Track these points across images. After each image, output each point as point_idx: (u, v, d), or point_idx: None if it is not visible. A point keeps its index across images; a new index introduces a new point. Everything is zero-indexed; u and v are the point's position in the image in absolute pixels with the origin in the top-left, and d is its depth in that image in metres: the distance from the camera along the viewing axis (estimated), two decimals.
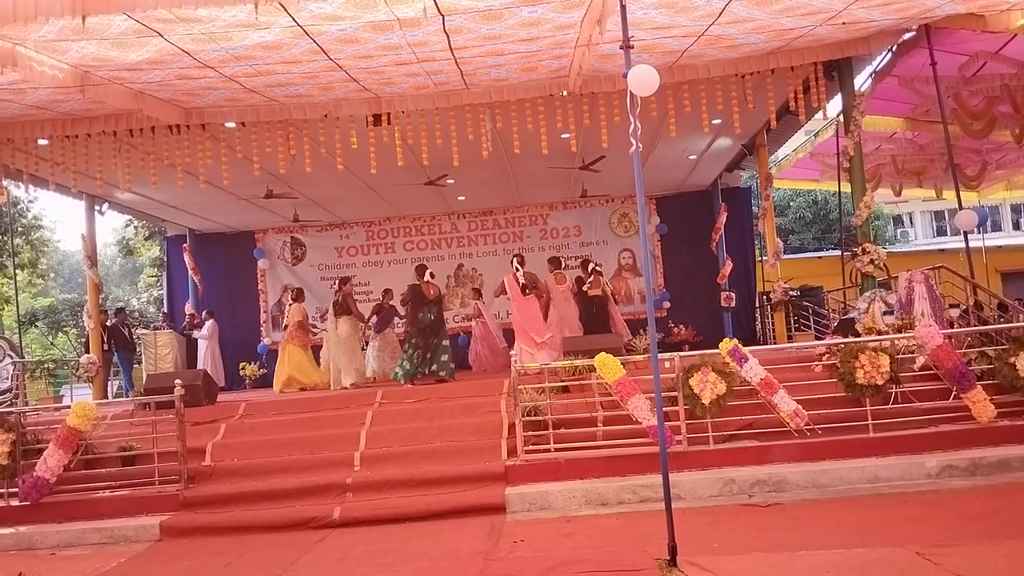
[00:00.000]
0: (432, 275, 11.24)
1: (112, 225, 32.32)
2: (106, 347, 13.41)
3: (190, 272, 15.93)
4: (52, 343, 25.66)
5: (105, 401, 11.45)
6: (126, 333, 14.42)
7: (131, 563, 6.24)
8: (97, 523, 7.14)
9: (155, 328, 15.31)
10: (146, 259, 27.02)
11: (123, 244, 27.36)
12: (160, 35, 6.62)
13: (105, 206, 13.43)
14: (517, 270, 11.02)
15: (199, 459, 8.06)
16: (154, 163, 10.27)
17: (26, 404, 11.88)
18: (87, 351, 12.86)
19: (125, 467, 7.98)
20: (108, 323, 13.94)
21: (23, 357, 14.31)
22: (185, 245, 16.09)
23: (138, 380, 13.84)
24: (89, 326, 12.84)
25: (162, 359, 13.97)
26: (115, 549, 6.72)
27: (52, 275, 34.56)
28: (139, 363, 14.50)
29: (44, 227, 26.15)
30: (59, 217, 42.37)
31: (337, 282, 13.09)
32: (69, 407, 7.95)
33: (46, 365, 19.13)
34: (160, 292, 22.05)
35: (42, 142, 9.66)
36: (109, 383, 13.99)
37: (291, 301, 13.29)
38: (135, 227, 24.30)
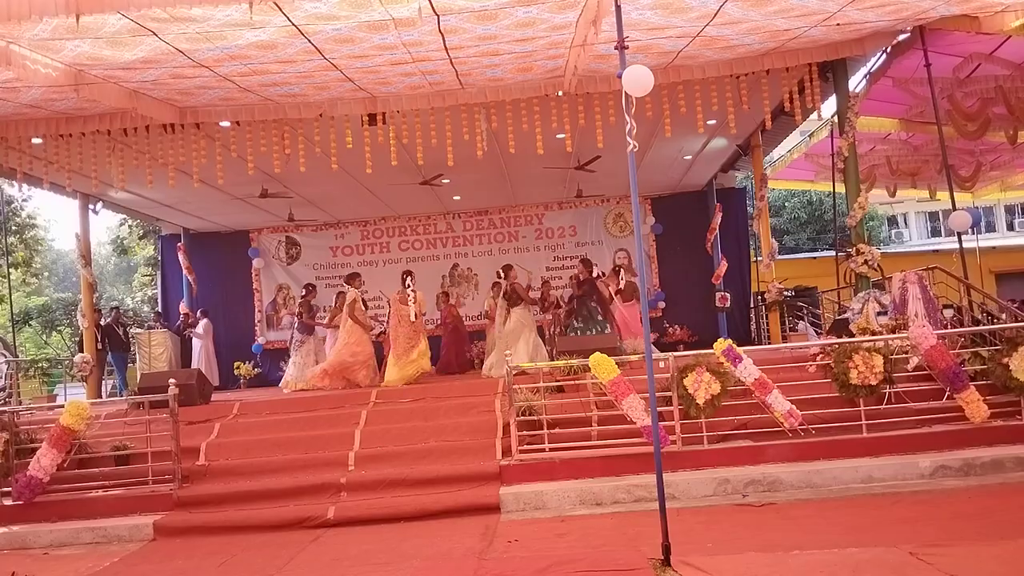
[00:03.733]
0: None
1: (106, 224, 32.33)
2: (100, 346, 13.40)
3: (184, 271, 15.91)
4: (46, 342, 25.59)
5: (99, 400, 11.44)
6: (120, 332, 14.38)
7: (124, 563, 6.23)
8: (90, 522, 7.13)
9: (148, 328, 15.28)
10: (140, 258, 26.94)
11: (117, 243, 27.28)
12: (154, 34, 6.61)
13: (99, 205, 13.40)
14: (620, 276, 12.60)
15: (193, 458, 8.04)
16: (148, 162, 10.26)
17: (20, 403, 11.85)
18: (81, 350, 12.83)
19: (119, 466, 7.95)
20: (102, 322, 13.91)
21: (17, 356, 14.28)
22: (180, 244, 16.06)
23: (132, 379, 13.81)
24: (83, 325, 12.81)
25: (156, 358, 13.95)
26: (108, 549, 6.71)
27: (46, 274, 34.51)
28: (133, 362, 14.46)
29: (38, 226, 26.06)
30: (53, 216, 42.25)
31: (502, 271, 12.07)
32: (63, 406, 7.93)
33: (40, 364, 19.05)
34: (154, 291, 22.00)
35: (36, 141, 9.63)
36: (103, 382, 13.96)
37: (412, 286, 11.56)
38: (129, 226, 24.23)
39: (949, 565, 4.39)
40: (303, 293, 13.40)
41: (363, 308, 11.98)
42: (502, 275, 11.92)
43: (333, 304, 13.62)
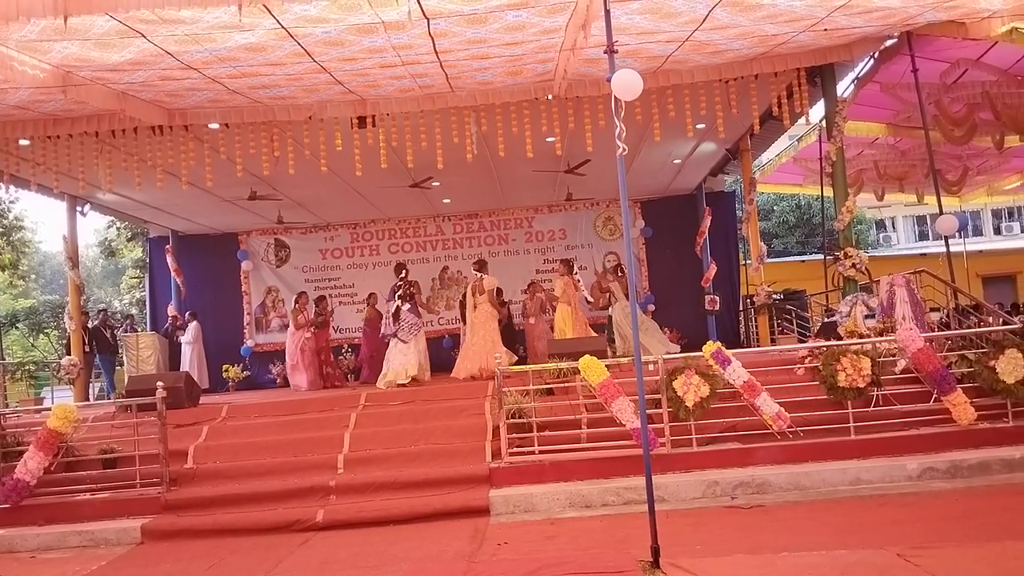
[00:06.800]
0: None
1: (94, 226, 32.24)
2: (88, 349, 13.32)
3: (173, 274, 15.83)
4: (33, 345, 25.47)
5: (86, 403, 11.34)
6: (108, 335, 14.31)
7: (112, 566, 6.20)
8: (78, 526, 7.09)
9: (125, 331, 15.19)
10: (128, 260, 26.83)
11: (105, 245, 27.14)
12: (143, 36, 6.59)
13: (87, 207, 13.33)
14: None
15: (181, 461, 8.01)
16: (137, 164, 10.21)
17: (6, 406, 11.78)
18: (68, 353, 12.76)
19: (106, 470, 7.92)
20: (90, 325, 13.84)
21: (4, 359, 14.19)
22: (168, 247, 15.98)
23: (120, 382, 13.73)
24: (70, 328, 12.74)
25: (144, 361, 13.88)
26: (96, 552, 6.68)
27: (33, 276, 34.34)
28: (121, 365, 14.39)
29: (25, 228, 25.92)
30: (40, 218, 42.10)
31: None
32: (50, 409, 7.88)
33: (27, 367, 18.96)
34: (142, 294, 21.90)
35: (24, 142, 9.58)
36: (91, 385, 13.88)
37: (565, 272, 11.59)
38: (117, 228, 24.11)
39: (936, 567, 4.42)
40: (403, 275, 11.62)
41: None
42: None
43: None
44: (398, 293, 11.37)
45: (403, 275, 11.62)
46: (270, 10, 6.22)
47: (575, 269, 11.82)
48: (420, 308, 11.80)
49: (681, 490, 6.79)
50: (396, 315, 11.37)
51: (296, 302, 13.30)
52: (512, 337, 13.38)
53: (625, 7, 6.93)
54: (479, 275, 11.34)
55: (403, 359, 11.03)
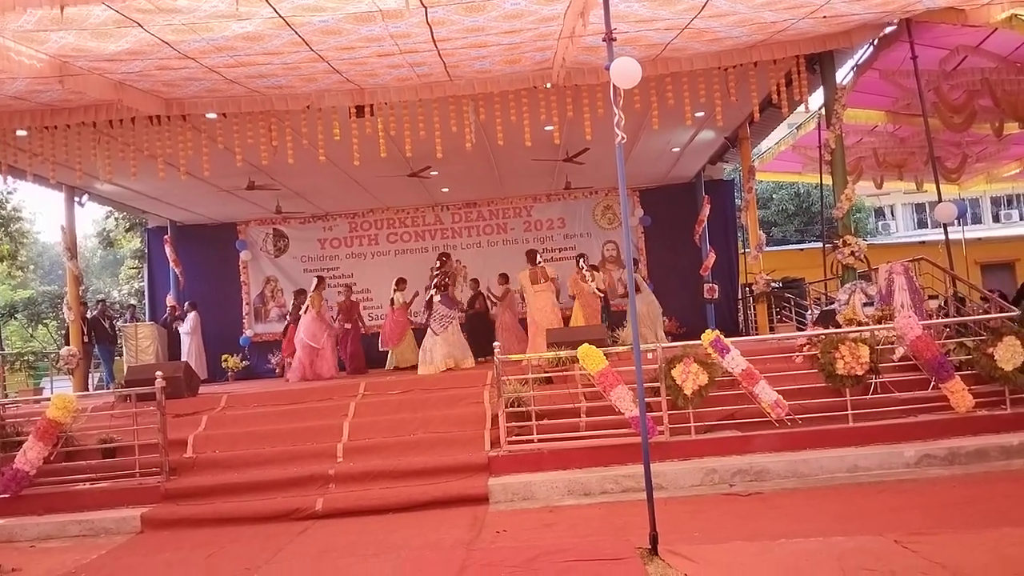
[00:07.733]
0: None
1: (92, 216, 32.13)
2: (87, 339, 13.31)
3: (171, 264, 15.82)
4: (32, 335, 25.48)
5: (86, 393, 11.36)
6: (107, 325, 14.31)
7: (111, 555, 6.22)
8: (77, 515, 7.11)
9: (126, 322, 15.20)
10: (127, 251, 26.80)
11: (103, 236, 27.09)
12: (140, 25, 6.57)
13: (85, 197, 13.31)
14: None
15: (180, 451, 8.04)
16: (134, 154, 10.20)
17: (6, 396, 11.79)
18: (67, 343, 12.76)
19: (106, 459, 7.95)
20: (88, 315, 13.84)
21: (3, 349, 14.20)
22: (166, 237, 15.97)
23: (119, 372, 13.75)
24: (69, 318, 12.74)
25: (143, 351, 13.88)
26: (96, 541, 6.70)
27: (32, 267, 34.29)
28: (120, 355, 14.40)
29: (23, 218, 25.86)
30: (38, 208, 41.98)
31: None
32: (49, 399, 7.89)
33: (26, 357, 18.95)
34: (141, 284, 21.88)
35: (21, 133, 9.56)
36: (90, 375, 13.89)
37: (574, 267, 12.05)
38: (115, 219, 24.07)
39: (933, 553, 4.43)
40: (438, 265, 11.80)
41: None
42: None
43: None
44: (434, 282, 11.49)
45: (437, 264, 11.83)
46: None
47: (582, 264, 11.82)
48: (451, 299, 11.84)
49: (679, 478, 6.81)
50: (429, 305, 11.52)
51: (314, 289, 13.22)
52: (489, 328, 13.32)
53: None
54: (539, 263, 11.39)
55: (439, 351, 11.19)
